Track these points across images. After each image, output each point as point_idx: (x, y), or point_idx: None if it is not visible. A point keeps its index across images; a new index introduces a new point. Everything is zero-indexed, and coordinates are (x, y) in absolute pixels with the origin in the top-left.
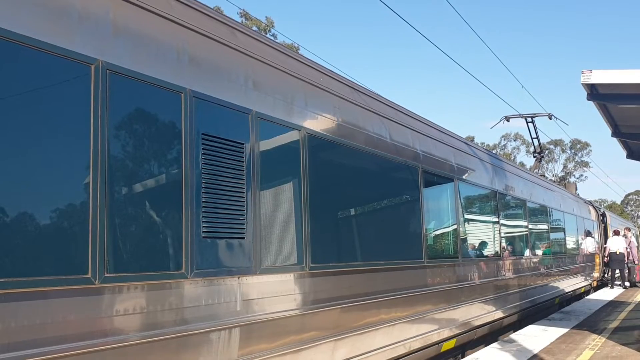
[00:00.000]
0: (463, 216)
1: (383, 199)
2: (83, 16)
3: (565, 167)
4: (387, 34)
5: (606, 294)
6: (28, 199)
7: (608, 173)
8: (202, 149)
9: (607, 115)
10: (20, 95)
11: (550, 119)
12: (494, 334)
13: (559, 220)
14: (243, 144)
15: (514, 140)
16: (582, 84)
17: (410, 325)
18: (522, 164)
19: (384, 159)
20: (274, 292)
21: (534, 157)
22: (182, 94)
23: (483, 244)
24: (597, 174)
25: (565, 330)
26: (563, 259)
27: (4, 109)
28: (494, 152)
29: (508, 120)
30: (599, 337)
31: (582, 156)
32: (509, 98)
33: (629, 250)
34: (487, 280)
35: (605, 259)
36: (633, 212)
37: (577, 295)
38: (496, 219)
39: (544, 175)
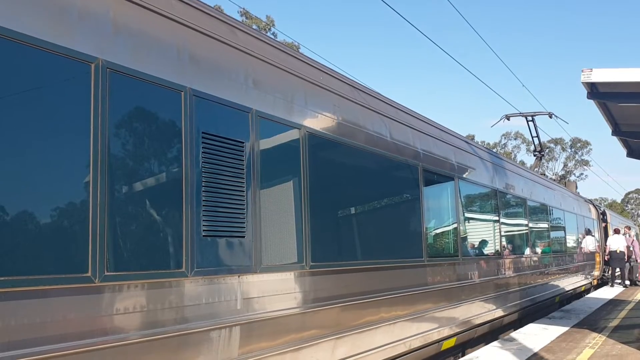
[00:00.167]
0: (463, 215)
1: (383, 198)
2: (83, 14)
3: (565, 165)
4: (388, 33)
5: (606, 293)
6: (28, 197)
7: (608, 172)
8: (202, 147)
9: (607, 113)
10: (21, 94)
11: (550, 117)
12: (494, 332)
13: (560, 218)
14: (243, 142)
15: (515, 139)
16: (582, 82)
17: (410, 324)
18: (522, 163)
19: (384, 158)
20: (274, 290)
21: (534, 155)
22: (182, 93)
23: (483, 243)
24: (597, 172)
25: (565, 328)
26: (563, 258)
27: (4, 107)
28: (494, 150)
29: (508, 119)
30: (599, 335)
31: (582, 155)
32: (509, 97)
33: (631, 248)
34: (487, 278)
35: (606, 258)
36: (633, 211)
37: (578, 294)
38: (496, 218)
39: (544, 174)
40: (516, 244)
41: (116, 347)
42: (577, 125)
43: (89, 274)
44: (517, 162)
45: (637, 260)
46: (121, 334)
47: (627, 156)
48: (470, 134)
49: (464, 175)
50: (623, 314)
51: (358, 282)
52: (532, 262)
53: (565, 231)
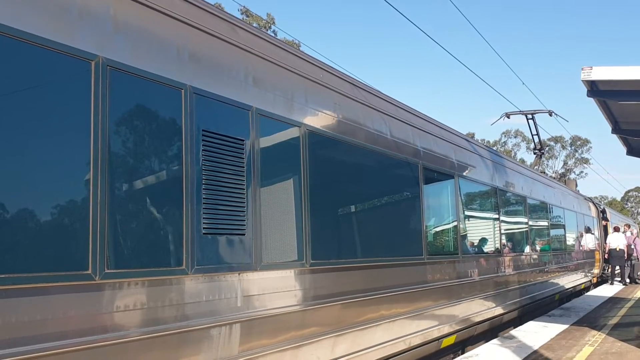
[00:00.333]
0: (463, 213)
1: (383, 196)
2: (83, 12)
3: (565, 163)
4: (389, 32)
5: (606, 291)
6: (28, 195)
7: (608, 170)
8: (203, 145)
9: (607, 111)
10: (21, 92)
11: (550, 115)
12: (494, 330)
13: (559, 216)
14: (243, 140)
15: (515, 137)
16: (582, 80)
17: (410, 322)
18: (522, 161)
19: (385, 156)
20: (275, 288)
21: (534, 153)
22: (183, 90)
23: (483, 241)
24: (597, 170)
25: (565, 326)
26: (563, 256)
27: (4, 105)
28: (494, 148)
29: (508, 117)
30: (599, 333)
31: (582, 153)
32: (509, 95)
33: (632, 247)
34: (487, 276)
35: (606, 256)
36: (633, 209)
37: (577, 292)
38: (496, 216)
39: (544, 172)
40: (516, 241)
41: (117, 344)
42: (577, 123)
43: (89, 271)
44: (517, 160)
45: (638, 259)
46: (122, 332)
47: (627, 154)
48: (471, 132)
49: (464, 173)
50: (623, 311)
51: (358, 279)
52: (532, 260)
53: (565, 229)
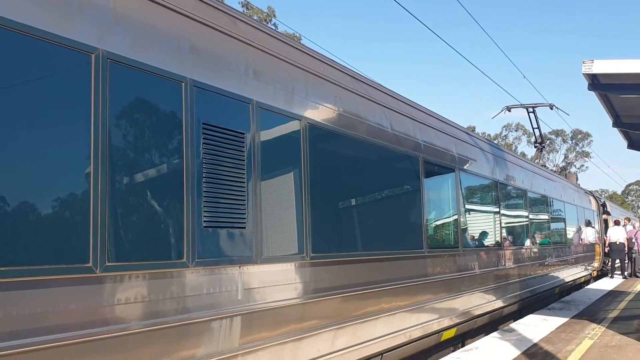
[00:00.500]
0: (464, 206)
1: (384, 189)
2: (83, 4)
3: (566, 157)
4: (390, 25)
5: (606, 284)
6: (29, 188)
7: (609, 163)
8: (203, 138)
9: (608, 105)
10: (20, 85)
11: (551, 109)
12: (494, 323)
13: (560, 210)
14: (244, 133)
15: (515, 131)
16: (584, 74)
17: (410, 315)
18: (523, 154)
19: (385, 149)
20: (275, 281)
21: (535, 147)
22: (183, 84)
23: (484, 234)
24: (598, 164)
25: (565, 319)
26: (563, 249)
27: (4, 98)
28: (495, 142)
29: (509, 111)
30: (599, 326)
31: (583, 146)
32: (510, 88)
33: (634, 240)
34: (487, 270)
35: (606, 249)
36: (634, 203)
37: (577, 285)
38: (497, 209)
39: (545, 166)
40: (516, 235)
41: (117, 337)
42: (578, 116)
43: (90, 264)
44: (518, 153)
45: (639, 252)
46: (122, 324)
47: (627, 148)
48: (471, 126)
49: (465, 167)
50: (622, 305)
51: (358, 273)
52: (532, 254)
53: (565, 223)
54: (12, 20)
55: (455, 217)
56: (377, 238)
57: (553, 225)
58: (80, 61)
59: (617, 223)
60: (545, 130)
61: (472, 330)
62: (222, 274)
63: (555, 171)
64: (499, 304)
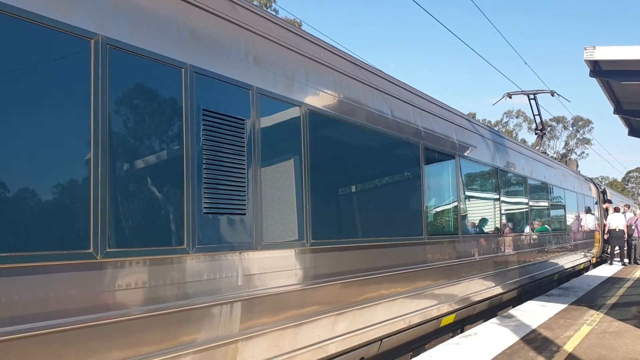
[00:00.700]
0: (464, 193)
1: (384, 176)
2: None
3: (566, 144)
4: (390, 11)
5: (605, 271)
6: (29, 175)
7: (609, 150)
8: (203, 124)
9: (609, 92)
10: (19, 72)
11: (552, 95)
12: (493, 309)
13: (560, 197)
14: (244, 120)
15: (516, 117)
16: (585, 60)
17: (410, 301)
18: (523, 141)
19: (385, 136)
20: (275, 267)
21: (536, 134)
22: (183, 69)
23: (483, 221)
24: (598, 151)
25: (563, 306)
26: (563, 236)
27: (3, 85)
28: (495, 128)
29: (510, 97)
30: (597, 312)
31: (583, 133)
32: (511, 75)
33: (634, 227)
34: (486, 256)
35: (605, 236)
36: (634, 190)
37: (577, 272)
38: (497, 196)
39: (545, 152)
40: (516, 222)
41: (118, 322)
42: (579, 103)
43: (91, 250)
44: (519, 140)
45: (639, 239)
46: (123, 310)
47: (628, 135)
48: (472, 112)
49: (465, 154)
50: (621, 291)
51: (358, 259)
52: (531, 240)
53: (565, 209)
54: (10, 5)
55: (455, 203)
56: (377, 225)
57: (553, 212)
58: (79, 47)
59: (616, 210)
60: (546, 117)
61: (471, 316)
62: (222, 260)
63: (555, 158)
64: (498, 290)
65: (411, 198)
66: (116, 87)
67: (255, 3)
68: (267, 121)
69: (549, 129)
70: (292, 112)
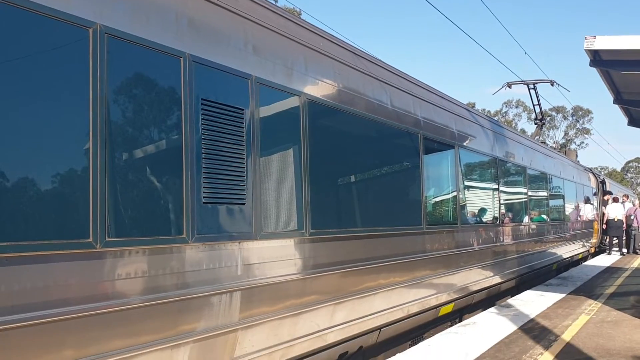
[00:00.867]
0: (463, 183)
1: (383, 166)
2: None
3: (566, 134)
4: (389, 0)
5: (603, 260)
6: (29, 164)
7: (609, 140)
8: (202, 114)
9: (609, 81)
10: (17, 61)
11: (552, 85)
12: (491, 298)
13: (559, 187)
14: (243, 109)
15: (516, 107)
16: (585, 50)
17: (408, 290)
18: (523, 131)
19: (385, 126)
20: (275, 257)
21: (535, 124)
22: (181, 59)
23: (482, 211)
24: (598, 141)
25: (562, 295)
26: (562, 226)
27: (1, 74)
28: (495, 118)
29: (510, 87)
30: (595, 302)
31: (583, 123)
32: (511, 64)
33: (633, 217)
34: (485, 246)
35: (604, 226)
36: (633, 180)
37: (575, 262)
38: (496, 186)
39: (545, 142)
40: (515, 212)
41: (118, 311)
42: (579, 93)
43: (90, 239)
44: (518, 130)
45: (638, 229)
46: (123, 299)
47: (628, 125)
48: (471, 102)
49: (464, 144)
50: (619, 281)
51: (357, 249)
52: (530, 230)
53: (564, 199)
54: None
55: (454, 193)
56: (376, 214)
57: (552, 202)
58: (77, 36)
59: (615, 200)
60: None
61: (469, 305)
62: (221, 250)
63: (555, 148)
64: (497, 279)
65: (410, 188)
66: (115, 77)
67: None
68: (266, 111)
69: (548, 118)
70: (292, 102)
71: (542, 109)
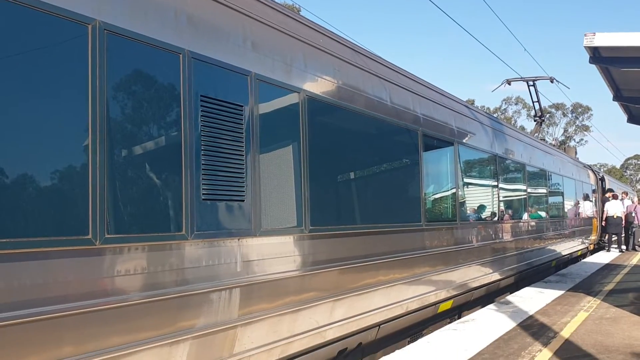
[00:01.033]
0: (462, 180)
1: (383, 163)
2: None
3: (565, 131)
4: None
5: (602, 257)
6: (28, 160)
7: (608, 137)
8: (201, 111)
9: (609, 78)
10: (16, 57)
11: (551, 82)
12: (490, 295)
13: (558, 184)
14: (242, 106)
15: (515, 104)
16: (585, 46)
17: (408, 287)
18: (522, 128)
19: (384, 122)
20: (274, 253)
21: (535, 120)
22: (181, 55)
23: (481, 208)
24: (597, 138)
25: (561, 292)
26: (561, 223)
27: (0, 71)
28: (494, 115)
29: (509, 84)
30: (594, 299)
31: (582, 120)
32: (510, 61)
33: (633, 214)
34: (484, 243)
35: (603, 223)
36: (632, 177)
37: (574, 258)
38: (495, 183)
39: (544, 139)
40: (514, 209)
41: (117, 308)
42: (579, 90)
43: (90, 236)
44: (518, 127)
45: (639, 226)
46: (122, 296)
47: (627, 122)
48: (471, 99)
49: (464, 140)
50: (618, 278)
51: (357, 245)
52: (529, 227)
53: (563, 196)
54: None
55: (454, 190)
56: (375, 211)
57: (551, 199)
58: (76, 32)
59: (615, 197)
60: (545, 103)
61: (468, 302)
62: (221, 247)
63: (554, 145)
64: (496, 276)
65: (410, 185)
66: (114, 73)
67: None
68: (265, 107)
69: (548, 115)
70: (291, 99)
71: (542, 106)
